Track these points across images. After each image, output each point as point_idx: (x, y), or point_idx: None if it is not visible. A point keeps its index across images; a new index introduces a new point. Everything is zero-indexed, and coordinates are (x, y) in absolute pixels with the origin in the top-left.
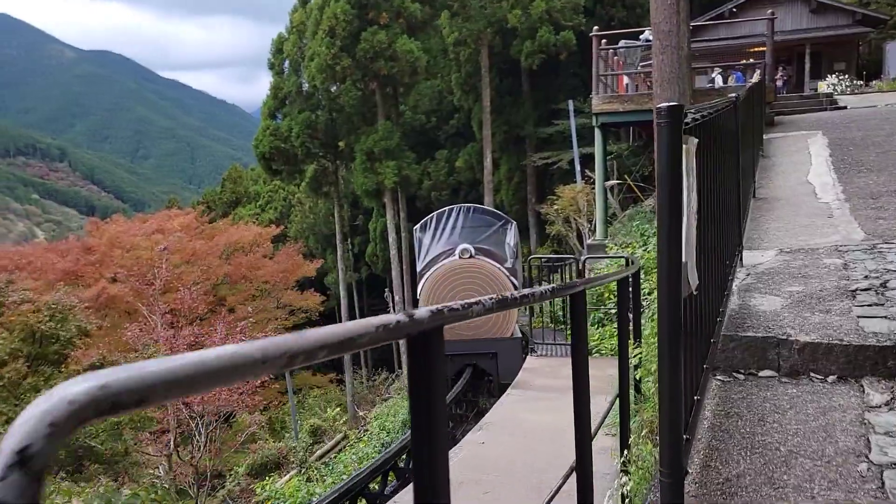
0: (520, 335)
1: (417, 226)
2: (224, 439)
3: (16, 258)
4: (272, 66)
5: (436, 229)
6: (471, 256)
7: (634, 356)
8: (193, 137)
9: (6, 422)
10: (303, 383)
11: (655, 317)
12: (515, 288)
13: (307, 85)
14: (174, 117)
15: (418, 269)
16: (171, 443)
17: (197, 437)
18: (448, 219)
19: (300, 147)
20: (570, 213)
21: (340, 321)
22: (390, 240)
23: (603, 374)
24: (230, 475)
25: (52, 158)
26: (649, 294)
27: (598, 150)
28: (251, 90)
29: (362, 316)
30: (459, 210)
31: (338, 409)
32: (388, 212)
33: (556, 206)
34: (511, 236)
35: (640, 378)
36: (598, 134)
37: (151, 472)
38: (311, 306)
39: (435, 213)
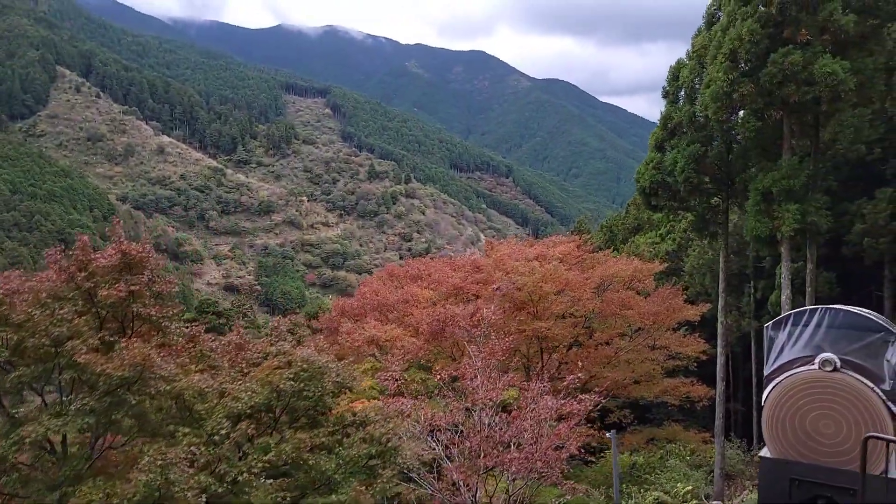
0: (894, 476)
1: (770, 323)
2: None
3: (422, 269)
4: (666, 95)
5: (793, 330)
6: (834, 369)
7: None
8: (622, 159)
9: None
10: (672, 436)
11: None
12: (893, 417)
13: (700, 115)
14: (607, 139)
15: (766, 373)
16: None
17: None
18: (810, 320)
19: (683, 182)
20: None
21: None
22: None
23: None
24: None
25: (500, 174)
26: None
27: None
28: None
29: (748, 370)
30: (826, 311)
31: (701, 481)
32: (784, 262)
33: None
34: (893, 353)
35: None
36: None
37: None
38: (691, 353)
39: (793, 311)
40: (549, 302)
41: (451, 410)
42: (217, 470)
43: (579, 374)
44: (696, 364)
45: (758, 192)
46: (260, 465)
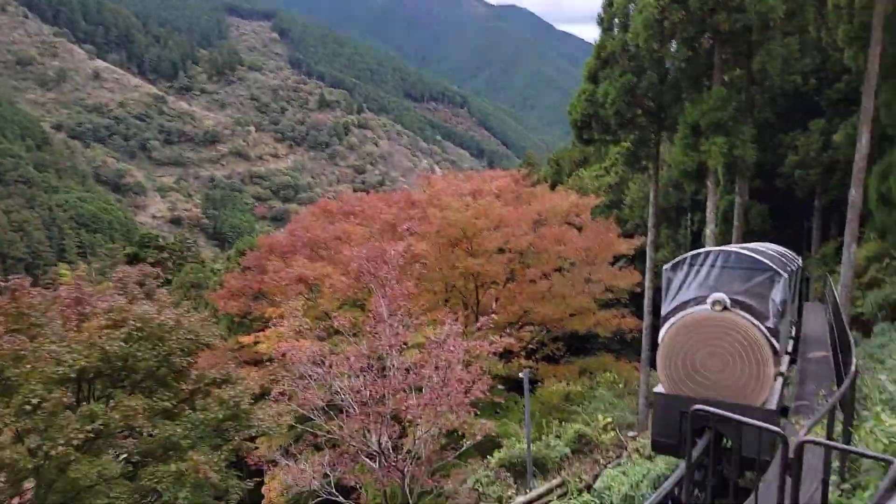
0: (773, 407)
1: (668, 265)
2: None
3: (355, 205)
4: (601, 22)
5: (688, 272)
6: (724, 309)
7: None
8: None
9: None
10: (604, 366)
11: None
12: (775, 353)
13: (632, 44)
14: (563, 70)
15: (663, 313)
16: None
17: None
18: (704, 261)
19: (614, 115)
20: None
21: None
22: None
23: None
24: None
25: (456, 105)
26: None
27: None
28: None
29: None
30: (718, 254)
31: (626, 409)
32: (710, 197)
33: None
34: (779, 292)
35: None
36: None
37: None
38: (625, 286)
39: (689, 253)
40: (483, 238)
41: (351, 357)
42: (27, 444)
43: (493, 316)
44: (628, 297)
45: (686, 125)
46: (81, 436)
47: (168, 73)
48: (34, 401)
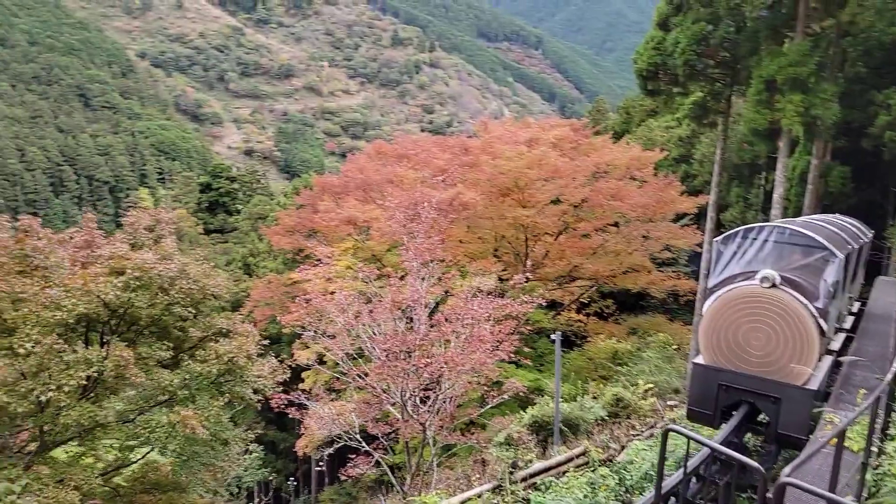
0: (815, 388)
1: (720, 237)
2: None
3: (409, 148)
4: None
5: (741, 245)
6: (773, 286)
7: None
8: None
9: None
10: (655, 327)
11: None
12: (822, 334)
13: None
14: (646, 12)
15: (709, 285)
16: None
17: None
18: (758, 236)
19: (683, 66)
20: None
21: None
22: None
23: None
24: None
25: (530, 45)
26: None
27: None
28: None
29: None
30: (773, 229)
31: (673, 374)
32: (780, 158)
33: None
34: (832, 272)
35: None
36: None
37: None
38: (684, 245)
39: (742, 227)
40: (535, 189)
41: (377, 308)
42: (18, 388)
43: (526, 275)
44: (688, 258)
45: (761, 79)
46: (73, 382)
47: (247, 5)
48: (28, 345)
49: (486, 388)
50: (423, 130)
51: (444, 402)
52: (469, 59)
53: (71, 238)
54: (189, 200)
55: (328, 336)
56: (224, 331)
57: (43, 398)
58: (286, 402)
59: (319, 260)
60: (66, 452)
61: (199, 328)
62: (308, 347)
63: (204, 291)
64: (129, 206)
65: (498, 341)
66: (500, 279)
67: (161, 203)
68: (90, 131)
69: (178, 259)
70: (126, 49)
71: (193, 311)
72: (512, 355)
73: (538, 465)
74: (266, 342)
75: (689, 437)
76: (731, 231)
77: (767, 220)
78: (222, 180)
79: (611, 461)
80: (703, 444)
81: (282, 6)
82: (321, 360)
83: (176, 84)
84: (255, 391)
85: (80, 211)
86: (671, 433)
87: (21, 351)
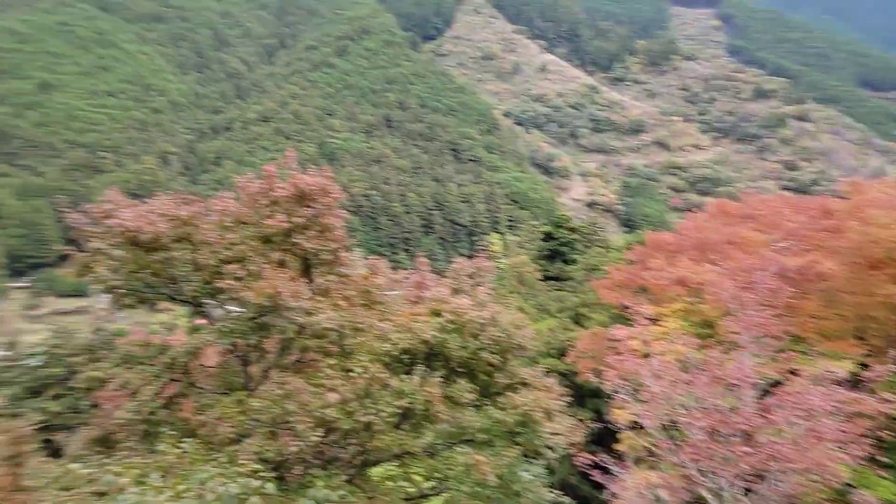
0: None
1: None
2: None
3: (756, 208)
4: None
5: None
6: None
7: None
8: None
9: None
10: None
11: None
12: None
13: None
14: None
15: None
16: None
17: None
18: None
19: None
20: None
21: None
22: None
23: None
24: None
25: None
26: None
27: None
28: None
29: None
30: None
31: None
32: None
33: None
34: None
35: None
36: None
37: None
38: None
39: None
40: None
41: (691, 381)
42: (346, 407)
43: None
44: None
45: None
46: (389, 409)
47: (604, 65)
48: (358, 370)
49: (824, 497)
50: (783, 189)
51: (773, 501)
52: (847, 111)
53: (406, 279)
54: (532, 247)
55: (641, 401)
56: (525, 382)
57: (364, 420)
58: (591, 464)
59: (643, 318)
60: (386, 471)
61: (506, 375)
62: (623, 408)
63: (510, 341)
64: (480, 249)
65: (843, 442)
66: (864, 366)
67: (508, 248)
68: (457, 181)
69: (490, 307)
70: (493, 109)
71: (501, 359)
72: (861, 461)
73: None
74: (586, 394)
75: None
76: None
77: None
78: (563, 230)
79: None
80: None
81: (638, 63)
82: (635, 424)
83: (532, 139)
84: (549, 447)
85: (443, 250)
86: None
87: (353, 374)
